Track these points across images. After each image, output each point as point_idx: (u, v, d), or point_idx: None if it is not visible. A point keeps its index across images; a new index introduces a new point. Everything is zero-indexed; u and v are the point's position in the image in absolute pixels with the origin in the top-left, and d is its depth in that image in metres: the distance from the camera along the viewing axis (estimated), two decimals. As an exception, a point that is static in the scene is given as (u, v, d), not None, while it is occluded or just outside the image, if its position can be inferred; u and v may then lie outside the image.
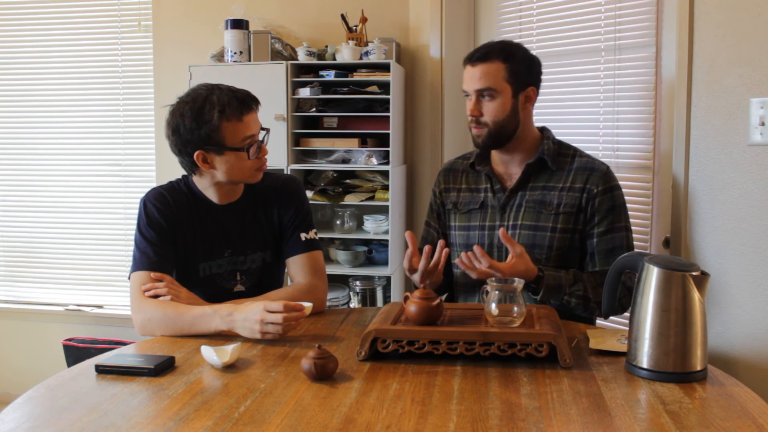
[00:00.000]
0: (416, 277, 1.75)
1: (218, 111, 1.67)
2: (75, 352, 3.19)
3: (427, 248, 1.70)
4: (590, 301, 1.75)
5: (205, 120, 1.68)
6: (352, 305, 2.94)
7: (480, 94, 1.81)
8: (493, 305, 1.45)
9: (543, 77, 1.90)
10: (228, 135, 1.69)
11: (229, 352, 1.41)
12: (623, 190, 1.88)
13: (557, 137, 1.95)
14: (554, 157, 1.87)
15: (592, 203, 1.82)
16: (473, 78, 1.81)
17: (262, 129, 1.77)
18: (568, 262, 1.84)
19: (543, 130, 1.93)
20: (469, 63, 1.83)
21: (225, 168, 1.73)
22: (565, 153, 1.89)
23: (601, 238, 1.82)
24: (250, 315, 1.54)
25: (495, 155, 1.94)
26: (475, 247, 1.63)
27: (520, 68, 1.82)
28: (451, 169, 2.03)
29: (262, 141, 1.76)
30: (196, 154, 1.71)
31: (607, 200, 1.82)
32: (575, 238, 1.83)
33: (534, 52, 1.86)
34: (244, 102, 1.71)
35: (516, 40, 1.92)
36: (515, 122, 1.83)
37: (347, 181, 2.99)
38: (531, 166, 1.86)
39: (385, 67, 2.80)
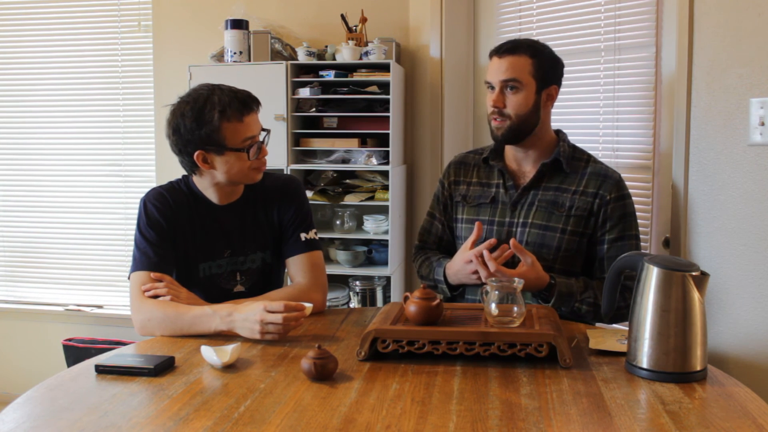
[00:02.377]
0: (470, 269, 1.72)
1: (219, 111, 1.67)
2: (75, 352, 3.19)
3: (492, 240, 1.72)
4: (600, 308, 1.75)
5: (205, 120, 1.67)
6: (352, 305, 2.94)
7: (505, 85, 1.81)
8: (493, 305, 1.45)
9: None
10: (228, 135, 1.69)
11: (229, 352, 1.41)
12: (625, 182, 1.89)
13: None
14: (569, 160, 1.87)
15: (604, 209, 1.82)
16: (499, 69, 1.81)
17: (263, 130, 1.77)
18: (573, 265, 1.84)
19: (558, 133, 1.93)
20: (496, 54, 1.84)
21: (225, 168, 1.73)
22: (579, 157, 1.90)
23: (612, 245, 1.82)
24: (250, 315, 1.54)
25: (509, 152, 1.94)
26: (485, 244, 1.64)
27: (546, 65, 1.83)
28: (462, 162, 2.02)
29: (263, 142, 1.76)
30: (196, 154, 1.71)
31: (620, 208, 1.83)
32: (583, 242, 1.84)
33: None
34: (245, 103, 1.70)
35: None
36: (536, 118, 1.84)
37: (347, 181, 2.99)
38: (546, 166, 1.86)
39: (385, 67, 2.80)
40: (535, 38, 2.02)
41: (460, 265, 1.76)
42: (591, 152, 1.94)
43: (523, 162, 1.92)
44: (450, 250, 1.98)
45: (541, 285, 1.71)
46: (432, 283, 1.92)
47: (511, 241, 1.69)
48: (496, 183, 1.93)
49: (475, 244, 1.74)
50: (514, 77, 1.80)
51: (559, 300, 1.73)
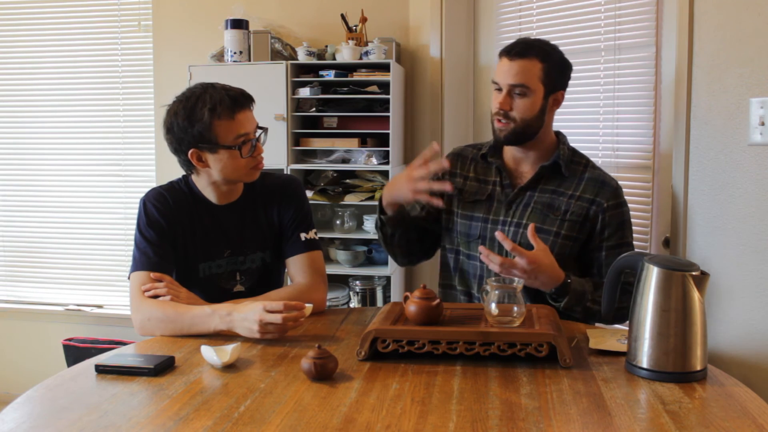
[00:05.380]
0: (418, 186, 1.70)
1: (209, 109, 1.67)
2: (75, 352, 3.19)
3: (435, 144, 1.73)
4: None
5: (196, 118, 1.68)
6: (352, 305, 2.94)
7: (513, 89, 1.79)
8: (493, 305, 1.45)
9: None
10: (221, 133, 1.69)
11: (228, 352, 1.41)
12: (623, 189, 1.88)
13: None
14: (568, 164, 1.85)
15: (602, 216, 1.80)
16: (509, 72, 1.78)
17: (260, 128, 1.77)
18: (566, 269, 1.83)
19: (558, 135, 1.91)
20: (506, 56, 1.80)
21: (219, 167, 1.73)
22: (578, 161, 1.88)
23: (611, 252, 1.80)
24: (249, 315, 1.54)
25: (508, 151, 1.92)
26: (481, 248, 1.63)
27: (555, 70, 1.80)
28: (460, 155, 2.00)
29: (257, 139, 1.76)
30: (190, 152, 1.71)
31: (618, 215, 1.81)
32: (576, 247, 1.82)
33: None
34: (236, 100, 1.70)
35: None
36: (540, 123, 1.81)
37: (347, 180, 2.99)
38: (545, 169, 1.85)
39: (385, 67, 2.80)
40: (537, 37, 2.01)
41: (406, 174, 1.73)
42: (591, 152, 1.94)
43: (521, 162, 1.90)
44: (422, 228, 1.97)
45: (557, 280, 1.68)
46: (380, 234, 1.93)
47: (531, 227, 1.66)
48: (493, 180, 1.91)
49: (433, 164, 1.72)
50: (522, 83, 1.77)
51: (573, 298, 1.70)
